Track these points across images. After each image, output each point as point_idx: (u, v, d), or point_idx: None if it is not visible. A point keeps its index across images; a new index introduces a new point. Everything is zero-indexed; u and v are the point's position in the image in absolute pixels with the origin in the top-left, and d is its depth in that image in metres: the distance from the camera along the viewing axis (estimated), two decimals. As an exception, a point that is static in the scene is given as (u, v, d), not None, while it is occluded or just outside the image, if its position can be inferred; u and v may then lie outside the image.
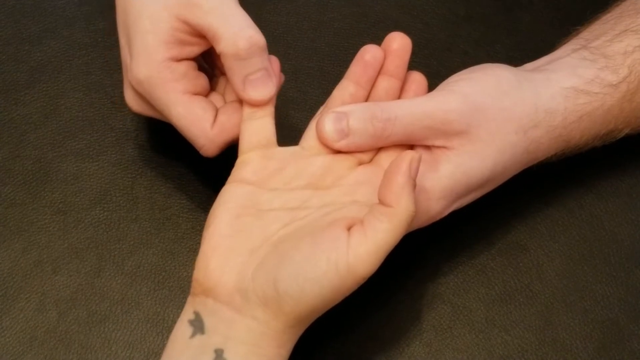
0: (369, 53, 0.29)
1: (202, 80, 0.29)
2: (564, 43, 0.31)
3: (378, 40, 0.30)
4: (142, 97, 0.29)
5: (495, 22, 0.38)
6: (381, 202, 0.25)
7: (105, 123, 0.34)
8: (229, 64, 0.27)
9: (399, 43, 0.29)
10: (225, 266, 0.26)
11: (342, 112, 0.27)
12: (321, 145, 0.29)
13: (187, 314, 0.26)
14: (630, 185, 0.33)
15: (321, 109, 0.30)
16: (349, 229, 0.25)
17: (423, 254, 0.31)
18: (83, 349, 0.29)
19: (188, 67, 0.29)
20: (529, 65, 0.30)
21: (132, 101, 0.30)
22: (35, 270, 0.31)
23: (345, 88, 0.29)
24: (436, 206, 0.27)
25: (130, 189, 0.33)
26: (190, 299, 0.26)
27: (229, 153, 0.30)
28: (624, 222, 0.32)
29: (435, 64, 0.29)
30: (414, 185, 0.25)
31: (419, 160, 0.25)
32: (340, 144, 0.27)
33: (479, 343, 0.29)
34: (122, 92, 0.35)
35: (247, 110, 0.29)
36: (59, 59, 0.37)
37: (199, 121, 0.28)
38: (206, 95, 0.30)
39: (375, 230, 0.24)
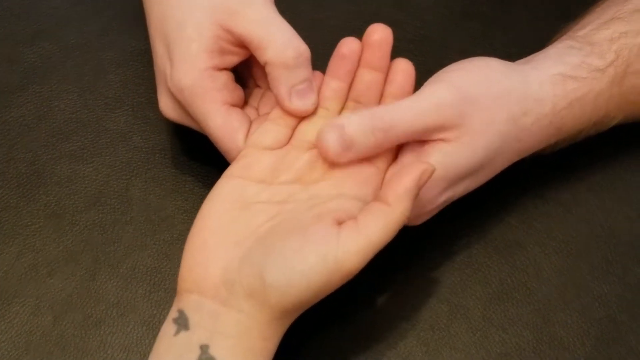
0: (345, 46, 0.29)
1: (239, 92, 0.30)
2: (558, 36, 0.31)
3: None
4: (179, 105, 0.29)
5: (492, 18, 0.38)
6: (381, 199, 0.25)
7: (99, 125, 0.34)
8: (276, 73, 0.28)
9: (379, 35, 0.28)
10: (211, 259, 0.26)
11: (341, 126, 0.26)
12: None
13: (171, 314, 0.26)
14: (626, 180, 0.33)
15: None
16: (339, 223, 0.25)
17: (419, 251, 0.30)
18: (79, 352, 0.28)
19: (228, 78, 0.29)
20: (520, 61, 0.30)
21: (168, 109, 0.30)
22: (30, 273, 0.30)
23: (328, 84, 0.30)
24: (427, 194, 0.27)
25: (125, 191, 0.32)
26: (175, 299, 0.26)
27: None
28: (621, 218, 0.32)
29: (431, 62, 0.29)
30: (417, 194, 0.25)
31: (432, 173, 0.25)
32: (344, 159, 0.27)
33: (477, 341, 0.29)
34: (115, 94, 0.35)
35: (275, 113, 0.30)
36: (53, 61, 0.37)
37: (234, 133, 0.29)
38: (242, 107, 0.30)
39: (368, 227, 0.24)
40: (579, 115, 0.29)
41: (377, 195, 0.27)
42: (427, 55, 0.30)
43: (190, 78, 0.28)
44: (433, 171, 0.25)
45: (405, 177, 0.25)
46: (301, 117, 0.30)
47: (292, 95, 0.28)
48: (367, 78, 0.29)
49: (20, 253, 0.31)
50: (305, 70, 0.28)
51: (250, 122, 0.30)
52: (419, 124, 0.26)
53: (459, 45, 0.37)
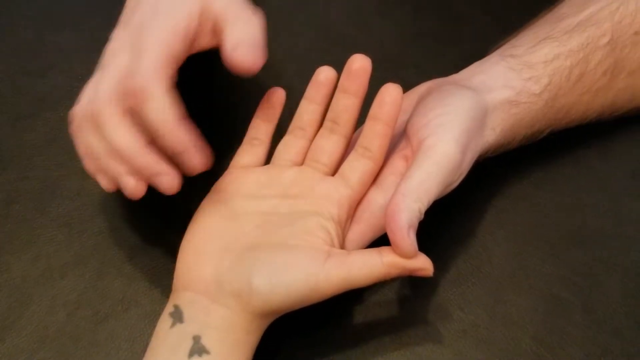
0: (322, 74, 0.29)
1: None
2: (495, 49, 0.31)
3: (338, 57, 0.29)
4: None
5: (442, 36, 0.38)
6: (380, 251, 0.25)
7: None
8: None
9: (358, 64, 0.28)
10: (203, 262, 0.26)
11: (412, 227, 0.24)
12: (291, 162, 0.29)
13: (167, 309, 0.26)
14: (564, 175, 0.33)
15: (290, 127, 0.30)
16: (329, 248, 0.25)
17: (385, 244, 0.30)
18: (90, 344, 0.28)
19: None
20: (465, 72, 0.30)
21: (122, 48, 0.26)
22: (44, 276, 0.30)
23: (306, 107, 0.30)
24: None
25: (127, 202, 0.32)
26: (171, 296, 0.27)
27: (219, 170, 0.29)
28: (561, 208, 0.32)
29: (390, 76, 0.29)
30: (404, 272, 0.25)
31: (426, 276, 0.25)
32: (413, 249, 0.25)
33: (439, 319, 0.29)
34: None
35: (248, 135, 0.29)
36: (60, 91, 0.37)
37: (160, 61, 0.24)
38: None
39: (353, 266, 0.25)
40: (517, 132, 0.30)
41: (356, 217, 0.27)
42: (386, 72, 0.30)
43: (170, 34, 0.25)
44: (430, 273, 0.25)
45: (408, 264, 0.24)
46: (274, 133, 0.28)
47: (233, 52, 0.25)
48: (345, 102, 0.28)
49: (36, 259, 0.31)
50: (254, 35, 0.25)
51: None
52: (444, 186, 0.26)
53: (414, 61, 0.37)
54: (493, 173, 0.32)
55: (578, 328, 0.28)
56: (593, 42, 0.29)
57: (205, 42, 0.27)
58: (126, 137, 0.25)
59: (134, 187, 0.25)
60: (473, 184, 0.29)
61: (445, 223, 0.31)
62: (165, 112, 0.24)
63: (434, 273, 0.25)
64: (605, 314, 0.29)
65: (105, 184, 0.27)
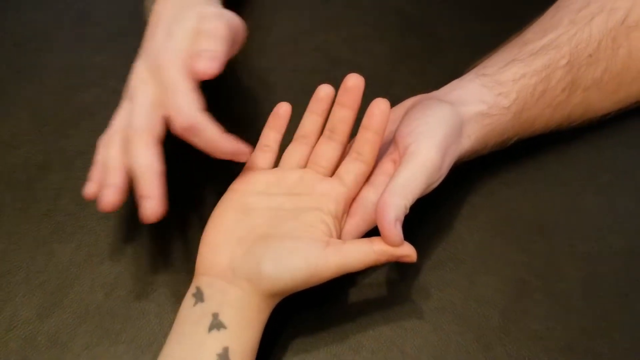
0: (322, 91, 0.30)
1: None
2: (471, 69, 0.32)
3: (337, 75, 0.30)
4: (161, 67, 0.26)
5: (426, 57, 0.38)
6: (371, 240, 0.26)
7: None
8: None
9: (352, 82, 0.28)
10: (220, 251, 0.27)
11: (399, 220, 0.25)
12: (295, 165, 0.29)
13: (190, 290, 0.27)
14: (529, 175, 0.34)
15: (295, 135, 0.31)
16: (327, 238, 0.26)
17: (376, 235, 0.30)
18: (124, 320, 0.29)
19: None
20: (445, 89, 0.31)
21: (141, 71, 0.28)
22: (86, 262, 0.31)
23: (308, 117, 0.30)
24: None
25: None
26: (193, 279, 0.27)
27: (231, 169, 0.30)
28: (526, 203, 0.33)
29: (382, 94, 0.29)
30: (391, 259, 0.26)
31: (410, 261, 0.26)
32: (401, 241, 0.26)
33: (420, 299, 0.30)
34: None
35: (260, 142, 0.30)
36: (97, 103, 0.38)
37: (194, 96, 0.25)
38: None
39: (348, 253, 0.25)
40: (489, 141, 0.30)
41: (350, 212, 0.28)
42: (378, 88, 0.30)
43: (169, 53, 0.26)
44: (413, 261, 0.26)
45: (395, 251, 0.25)
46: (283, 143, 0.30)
47: (195, 59, 0.25)
48: (341, 114, 0.29)
49: (79, 247, 0.32)
50: (216, 43, 0.25)
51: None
52: (427, 185, 0.27)
53: (403, 79, 0.38)
54: (468, 174, 0.33)
55: (539, 306, 0.29)
56: (554, 63, 0.30)
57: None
58: (147, 160, 0.26)
59: (110, 200, 0.26)
60: (451, 184, 0.30)
61: (427, 217, 0.32)
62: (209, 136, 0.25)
63: (417, 259, 0.26)
64: (562, 294, 0.30)
65: (90, 189, 0.27)
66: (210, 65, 0.25)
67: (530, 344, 0.28)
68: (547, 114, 0.31)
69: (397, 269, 0.31)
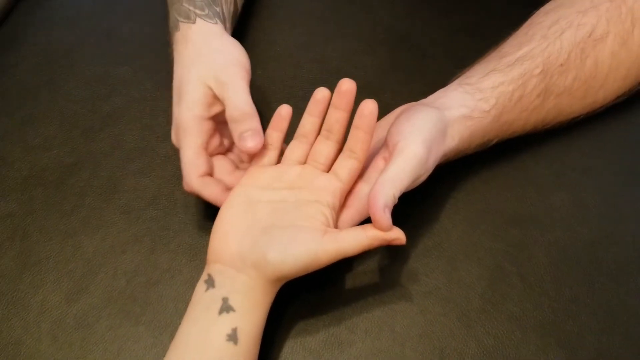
0: (319, 94, 0.29)
1: (215, 140, 0.29)
2: (455, 78, 0.31)
3: (334, 84, 0.28)
4: (177, 135, 0.29)
5: (412, 68, 0.37)
6: (364, 227, 0.25)
7: (153, 151, 0.35)
8: (230, 124, 0.28)
9: (346, 86, 0.28)
10: (229, 239, 0.26)
11: (388, 207, 0.25)
12: (296, 161, 0.29)
13: (203, 277, 0.26)
14: (506, 173, 0.33)
15: (295, 134, 0.30)
16: (325, 229, 0.25)
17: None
18: (144, 303, 0.29)
19: (210, 127, 0.29)
20: (431, 97, 0.30)
21: (173, 137, 0.30)
22: (109, 252, 0.31)
23: (307, 118, 0.29)
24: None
25: (172, 195, 0.33)
26: (205, 267, 0.27)
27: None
28: (503, 198, 0.32)
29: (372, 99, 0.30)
30: (382, 243, 0.25)
31: (400, 244, 0.25)
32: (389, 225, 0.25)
33: (408, 282, 0.29)
34: (165, 130, 0.35)
35: (265, 140, 0.29)
36: (121, 110, 0.37)
37: (193, 169, 0.28)
38: (224, 152, 0.30)
39: (344, 240, 0.25)
40: (472, 141, 0.30)
41: (348, 205, 0.27)
42: (369, 95, 0.29)
43: (184, 117, 0.28)
44: (402, 244, 0.25)
45: (385, 235, 0.25)
46: (283, 144, 0.29)
47: (240, 139, 0.27)
48: (336, 115, 0.28)
49: (103, 238, 0.31)
50: (249, 123, 0.27)
51: (212, 167, 0.29)
52: (413, 179, 0.26)
53: (391, 88, 0.36)
54: (452, 172, 0.32)
55: (515, 289, 0.29)
56: (529, 72, 0.30)
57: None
58: (188, 156, 0.28)
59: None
60: (436, 181, 0.29)
61: (415, 211, 0.31)
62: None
63: (407, 248, 0.26)
64: (535, 278, 0.29)
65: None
66: (256, 142, 0.28)
67: (507, 323, 0.28)
68: (524, 117, 0.31)
69: (388, 257, 0.30)
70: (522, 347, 0.27)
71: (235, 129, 0.28)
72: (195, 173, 0.28)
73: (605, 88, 0.31)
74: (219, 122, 0.30)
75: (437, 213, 0.31)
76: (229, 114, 0.28)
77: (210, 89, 0.28)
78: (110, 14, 0.42)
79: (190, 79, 0.28)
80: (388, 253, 0.30)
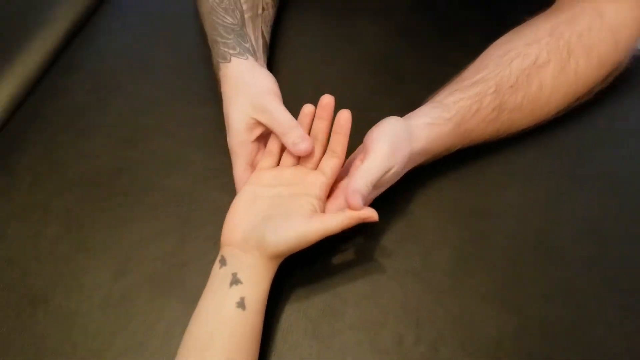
0: (306, 109, 0.31)
1: (259, 155, 0.32)
2: (426, 101, 0.33)
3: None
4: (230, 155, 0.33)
5: (391, 91, 0.38)
6: (346, 209, 0.27)
7: (184, 158, 0.36)
8: (281, 138, 0.31)
9: (326, 100, 0.30)
10: (237, 228, 0.29)
11: (358, 192, 0.27)
12: (290, 162, 0.32)
13: (218, 258, 0.29)
14: (470, 173, 0.34)
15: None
16: (312, 214, 0.28)
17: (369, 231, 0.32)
18: (176, 281, 0.31)
19: (254, 148, 0.32)
20: (408, 116, 0.32)
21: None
22: (148, 240, 0.33)
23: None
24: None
25: (199, 194, 0.34)
26: (220, 250, 0.29)
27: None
28: (467, 194, 0.34)
29: (359, 115, 0.31)
30: (358, 220, 0.27)
31: (373, 221, 0.27)
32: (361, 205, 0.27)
33: (389, 264, 0.31)
34: (193, 140, 0.37)
35: (267, 150, 0.32)
36: (155, 125, 0.38)
37: (241, 183, 0.32)
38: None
39: (328, 221, 0.27)
40: (438, 145, 0.32)
41: (334, 194, 0.30)
42: (357, 111, 0.31)
43: (233, 143, 0.32)
44: (375, 220, 0.27)
45: (359, 214, 0.27)
46: (285, 151, 0.32)
47: (294, 146, 0.30)
48: (320, 125, 0.31)
49: (142, 229, 0.33)
50: (296, 132, 0.30)
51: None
52: (382, 171, 0.29)
53: (373, 105, 0.37)
54: (424, 173, 0.34)
55: (477, 269, 0.31)
56: (484, 91, 0.32)
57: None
58: (237, 174, 0.32)
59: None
60: (410, 182, 0.32)
61: (394, 206, 0.33)
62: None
63: (389, 235, 0.28)
64: (496, 260, 0.31)
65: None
66: (306, 145, 0.30)
67: (470, 296, 0.30)
68: (481, 128, 0.33)
69: (373, 242, 0.32)
70: (482, 314, 0.29)
71: (287, 140, 0.30)
72: (242, 185, 0.31)
73: (549, 105, 0.33)
74: (262, 137, 0.33)
75: (413, 207, 0.33)
76: (278, 131, 0.30)
77: (250, 117, 0.31)
78: (152, 47, 0.42)
79: (233, 113, 0.31)
80: (373, 239, 0.32)
